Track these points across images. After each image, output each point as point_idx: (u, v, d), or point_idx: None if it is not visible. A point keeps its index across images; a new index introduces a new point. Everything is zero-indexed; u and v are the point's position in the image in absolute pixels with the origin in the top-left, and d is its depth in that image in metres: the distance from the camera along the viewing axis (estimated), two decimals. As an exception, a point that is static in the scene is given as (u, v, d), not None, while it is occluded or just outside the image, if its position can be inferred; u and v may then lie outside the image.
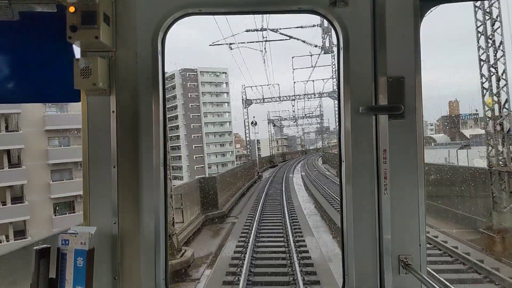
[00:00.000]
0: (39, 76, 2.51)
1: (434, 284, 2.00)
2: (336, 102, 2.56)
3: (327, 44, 43.72)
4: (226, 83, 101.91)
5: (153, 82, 2.44)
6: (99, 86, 2.28)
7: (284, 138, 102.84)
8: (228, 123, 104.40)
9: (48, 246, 2.13)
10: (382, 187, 2.37)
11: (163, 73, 2.52)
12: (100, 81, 2.27)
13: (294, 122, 79.47)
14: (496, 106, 17.17)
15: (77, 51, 2.39)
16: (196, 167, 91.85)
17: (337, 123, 2.59)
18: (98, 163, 2.43)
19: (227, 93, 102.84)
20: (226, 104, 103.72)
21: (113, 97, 2.42)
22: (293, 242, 16.77)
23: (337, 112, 2.56)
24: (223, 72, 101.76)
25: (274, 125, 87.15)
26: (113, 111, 2.42)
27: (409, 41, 2.35)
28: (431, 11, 2.51)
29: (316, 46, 45.10)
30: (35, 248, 2.09)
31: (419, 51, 2.35)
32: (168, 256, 2.58)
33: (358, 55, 2.40)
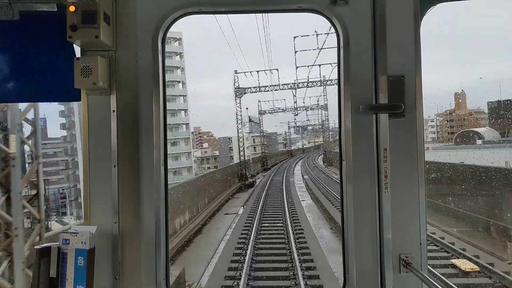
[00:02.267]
0: (39, 76, 2.51)
1: (434, 283, 2.00)
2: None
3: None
4: (180, 53, 73.01)
5: (153, 81, 2.44)
6: (99, 85, 2.28)
7: (263, 135, 67.47)
8: (183, 111, 72.96)
9: (49, 245, 2.14)
10: (382, 186, 2.37)
11: (164, 72, 2.52)
12: (100, 80, 2.27)
13: (294, 112, 55.00)
14: None
15: (77, 50, 2.40)
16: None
17: (338, 122, 2.58)
18: (99, 163, 2.43)
19: (182, 68, 72.45)
20: (181, 84, 72.45)
21: (113, 97, 2.42)
22: None
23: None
24: (177, 38, 71.41)
25: (251, 120, 58.64)
26: (113, 111, 2.42)
27: (409, 40, 2.35)
28: (431, 10, 2.50)
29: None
30: (35, 247, 2.09)
31: (420, 50, 2.35)
32: (168, 256, 2.59)
33: (358, 54, 2.40)
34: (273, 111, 58.33)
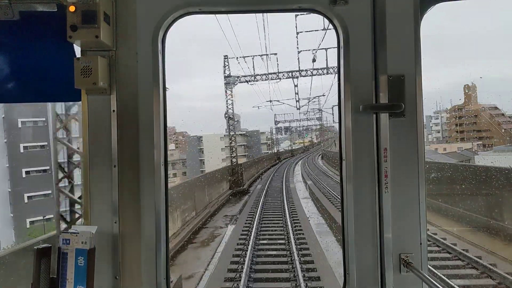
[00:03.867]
0: (40, 76, 2.51)
1: (435, 283, 2.00)
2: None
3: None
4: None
5: (153, 81, 2.44)
6: (100, 85, 2.28)
7: (241, 134, 48.44)
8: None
9: (49, 245, 2.14)
10: (382, 185, 2.37)
11: (164, 72, 2.52)
12: (100, 80, 2.28)
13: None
14: None
15: (77, 50, 2.40)
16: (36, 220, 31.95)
17: (338, 122, 2.58)
18: (99, 163, 2.44)
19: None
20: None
21: (113, 96, 2.42)
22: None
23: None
24: None
25: (230, 118, 38.46)
26: (113, 111, 2.42)
27: (409, 39, 2.34)
28: (431, 9, 2.50)
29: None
30: (36, 247, 2.09)
31: (420, 49, 2.35)
32: (169, 255, 2.59)
33: (358, 54, 2.40)
34: (253, 77, 32.22)
